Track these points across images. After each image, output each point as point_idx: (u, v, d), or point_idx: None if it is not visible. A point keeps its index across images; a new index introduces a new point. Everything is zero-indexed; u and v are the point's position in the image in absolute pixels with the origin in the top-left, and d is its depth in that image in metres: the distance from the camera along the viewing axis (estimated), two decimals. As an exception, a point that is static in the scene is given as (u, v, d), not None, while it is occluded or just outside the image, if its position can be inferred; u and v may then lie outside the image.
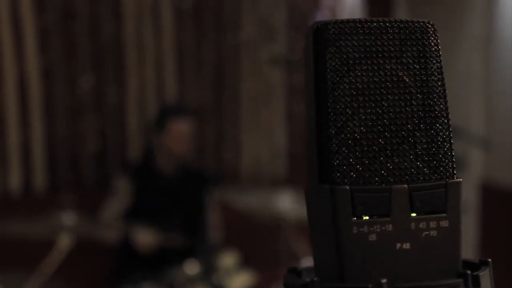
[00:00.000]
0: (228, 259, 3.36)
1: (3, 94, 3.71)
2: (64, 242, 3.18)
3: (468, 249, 4.12)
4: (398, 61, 0.66)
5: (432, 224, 0.64)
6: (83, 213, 3.30)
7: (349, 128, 0.64)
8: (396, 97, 0.65)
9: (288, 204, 3.39)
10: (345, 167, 0.63)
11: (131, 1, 3.91)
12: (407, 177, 0.64)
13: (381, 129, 0.64)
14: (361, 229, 0.63)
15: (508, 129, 3.90)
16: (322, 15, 4.26)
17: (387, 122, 0.65)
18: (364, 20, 0.66)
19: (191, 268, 3.24)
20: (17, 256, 3.50)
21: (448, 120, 0.66)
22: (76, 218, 3.24)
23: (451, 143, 0.66)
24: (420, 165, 0.65)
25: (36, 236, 3.21)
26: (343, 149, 0.64)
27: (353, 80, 0.65)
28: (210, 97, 4.13)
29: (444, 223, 0.64)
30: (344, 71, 0.65)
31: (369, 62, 0.65)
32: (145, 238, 3.31)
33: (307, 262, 3.29)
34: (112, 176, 3.80)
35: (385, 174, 0.64)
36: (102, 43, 3.87)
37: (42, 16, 3.75)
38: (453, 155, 0.66)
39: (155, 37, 3.97)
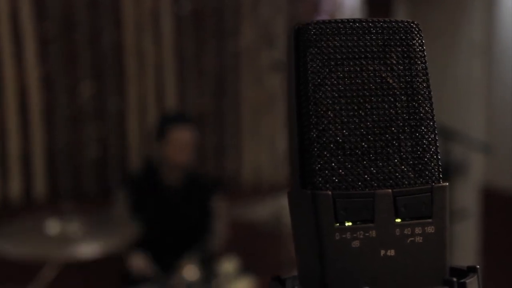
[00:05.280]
0: (228, 265, 3.34)
1: (3, 102, 3.70)
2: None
3: (470, 254, 4.10)
4: (382, 62, 0.64)
5: (418, 230, 0.62)
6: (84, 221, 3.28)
7: (331, 132, 0.62)
8: (380, 99, 0.63)
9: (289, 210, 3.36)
10: (327, 172, 0.61)
11: (131, 9, 3.90)
12: (391, 181, 0.62)
13: (364, 132, 0.62)
14: (344, 236, 0.61)
15: (509, 133, 3.88)
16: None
17: (370, 125, 0.62)
18: (346, 20, 0.64)
19: (191, 274, 3.22)
20: (18, 264, 3.48)
21: (434, 122, 0.64)
22: (77, 226, 3.22)
23: (437, 146, 0.64)
24: (405, 169, 0.63)
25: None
26: (325, 153, 0.61)
27: (335, 82, 0.63)
28: (210, 105, 4.12)
29: (430, 229, 0.62)
30: (325, 73, 0.62)
31: (351, 63, 0.63)
32: (139, 263, 3.28)
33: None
34: (113, 184, 3.79)
35: (368, 178, 0.62)
36: (102, 52, 3.86)
37: (42, 24, 3.74)
38: (439, 159, 0.64)
39: (155, 45, 3.96)
